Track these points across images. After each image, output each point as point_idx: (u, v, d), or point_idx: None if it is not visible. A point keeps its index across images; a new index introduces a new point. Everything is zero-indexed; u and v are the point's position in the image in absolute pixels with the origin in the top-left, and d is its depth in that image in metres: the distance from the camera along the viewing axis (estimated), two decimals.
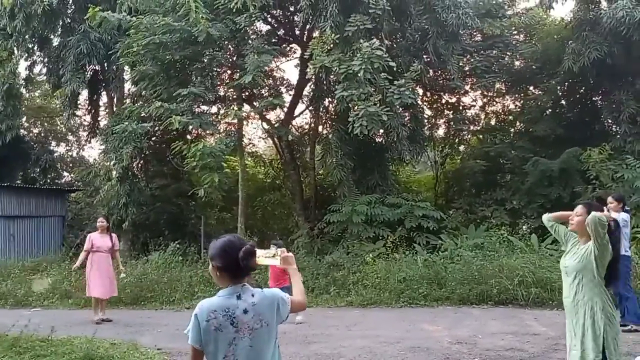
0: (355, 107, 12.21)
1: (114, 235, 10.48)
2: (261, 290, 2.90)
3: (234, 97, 16.06)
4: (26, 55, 19.45)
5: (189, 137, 16.59)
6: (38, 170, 23.27)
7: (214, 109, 17.52)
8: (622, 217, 7.85)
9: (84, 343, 7.63)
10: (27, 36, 18.14)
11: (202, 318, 2.74)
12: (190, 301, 11.92)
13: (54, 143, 27.88)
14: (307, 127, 20.54)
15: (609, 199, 8.42)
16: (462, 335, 8.16)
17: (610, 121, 15.98)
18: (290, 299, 3.01)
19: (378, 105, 12.19)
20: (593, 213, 4.14)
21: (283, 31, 18.27)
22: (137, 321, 10.03)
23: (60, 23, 17.99)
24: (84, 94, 19.31)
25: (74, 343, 7.70)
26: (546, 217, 4.82)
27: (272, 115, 16.94)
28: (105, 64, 17.55)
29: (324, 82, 13.57)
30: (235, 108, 14.19)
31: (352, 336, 8.33)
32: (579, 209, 4.36)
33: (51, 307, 11.93)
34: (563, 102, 18.03)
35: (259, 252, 3.00)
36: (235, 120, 15.09)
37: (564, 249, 4.67)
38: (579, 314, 4.31)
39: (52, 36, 18.74)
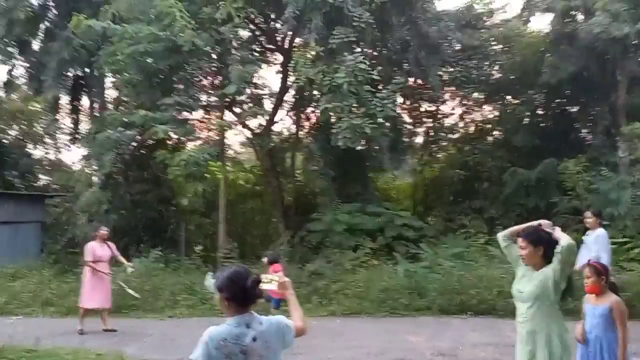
0: (339, 119, 12.36)
1: (111, 243, 10.48)
2: (267, 318, 3.03)
3: (217, 104, 16.11)
4: (6, 59, 19.21)
5: (169, 142, 16.58)
6: (16, 174, 22.94)
7: (196, 115, 17.55)
8: (602, 232, 8.11)
9: (70, 354, 7.67)
10: (6, 40, 18.02)
11: (212, 346, 2.82)
12: (173, 309, 11.96)
13: (30, 146, 27.53)
14: (288, 133, 20.69)
15: (587, 213, 8.61)
16: (443, 347, 8.36)
17: (585, 132, 16.38)
18: (295, 326, 3.14)
19: (361, 118, 12.39)
20: (569, 242, 3.96)
21: (265, 38, 18.38)
22: (121, 330, 10.01)
23: (42, 28, 17.87)
24: (64, 99, 19.17)
25: (60, 354, 7.70)
26: (501, 236, 4.47)
27: (253, 122, 17.02)
28: (88, 70, 17.46)
29: (307, 92, 13.69)
30: (218, 120, 14.24)
31: (336, 347, 8.47)
32: (521, 242, 4.15)
33: (33, 315, 11.81)
34: (540, 112, 18.43)
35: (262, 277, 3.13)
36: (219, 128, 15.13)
37: (516, 271, 4.37)
38: (535, 342, 4.13)
39: (32, 40, 18.60)
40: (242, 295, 2.92)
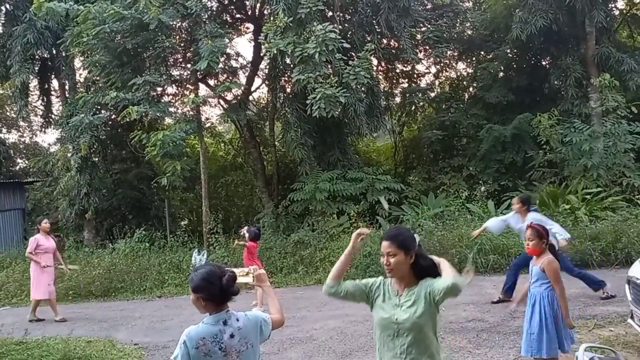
0: (313, 90, 12.33)
1: (53, 237, 10.67)
2: (244, 315, 3.10)
3: (190, 79, 15.95)
4: None
5: (145, 120, 16.44)
6: None
7: (170, 90, 17.40)
8: (533, 216, 7.85)
9: (59, 343, 7.74)
10: None
11: (191, 345, 2.88)
12: (162, 289, 12.11)
13: (4, 130, 27.14)
14: (265, 102, 20.60)
15: (514, 199, 8.64)
16: None
17: (558, 84, 16.50)
18: (271, 319, 3.22)
19: (335, 87, 12.36)
20: (456, 281, 3.03)
21: (234, 9, 18.12)
22: (110, 315, 10.14)
23: (3, 11, 17.41)
24: (34, 82, 18.82)
25: (50, 344, 7.75)
26: (327, 287, 3.38)
27: (230, 95, 16.89)
28: (55, 52, 17.12)
29: (280, 63, 13.58)
30: (192, 95, 14.12)
31: (323, 317, 8.68)
32: (387, 246, 3.14)
33: (20, 304, 11.86)
34: (514, 66, 18.50)
35: (236, 271, 3.19)
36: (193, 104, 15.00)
37: (371, 305, 3.33)
38: None
39: None
40: (218, 294, 2.95)
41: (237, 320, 3.02)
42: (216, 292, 2.95)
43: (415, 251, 3.13)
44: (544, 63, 18.01)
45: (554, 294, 4.87)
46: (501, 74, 18.11)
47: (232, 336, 2.96)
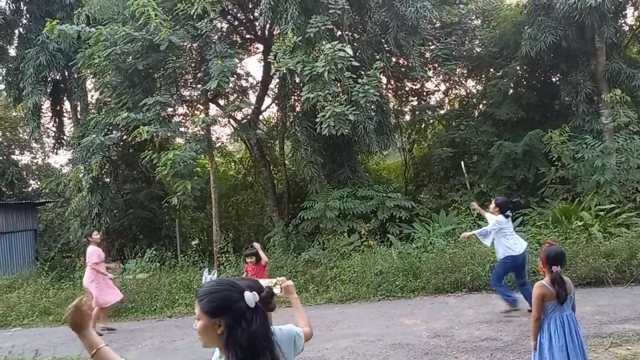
0: (322, 108, 12.35)
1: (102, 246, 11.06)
2: (279, 328, 3.05)
3: (200, 99, 16.06)
4: None
5: (156, 139, 16.54)
6: (4, 183, 22.85)
7: (180, 110, 17.52)
8: (497, 219, 8.86)
9: None
10: None
11: None
12: (172, 309, 12.05)
13: (17, 152, 27.40)
14: (275, 120, 20.67)
15: (493, 200, 9.42)
16: (439, 328, 8.49)
17: (568, 100, 16.42)
18: (302, 331, 3.13)
19: (344, 105, 12.39)
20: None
21: (244, 29, 18.29)
22: (120, 335, 10.11)
23: (17, 34, 17.70)
24: (46, 104, 19.06)
25: None
26: None
27: (240, 114, 16.96)
28: (67, 73, 17.34)
29: (289, 82, 13.65)
30: (202, 114, 14.20)
31: (334, 336, 8.58)
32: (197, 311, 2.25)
33: (32, 325, 11.87)
34: (523, 83, 18.45)
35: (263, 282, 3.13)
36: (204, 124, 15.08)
37: None
38: None
39: (8, 47, 18.45)
40: None
41: (273, 334, 2.99)
42: None
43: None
44: (554, 79, 17.94)
45: (563, 318, 4.78)
46: (511, 90, 18.05)
47: None
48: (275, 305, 2.72)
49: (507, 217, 9.00)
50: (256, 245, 9.21)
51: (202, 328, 2.23)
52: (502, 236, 8.90)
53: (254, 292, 2.30)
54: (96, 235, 10.60)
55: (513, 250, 8.80)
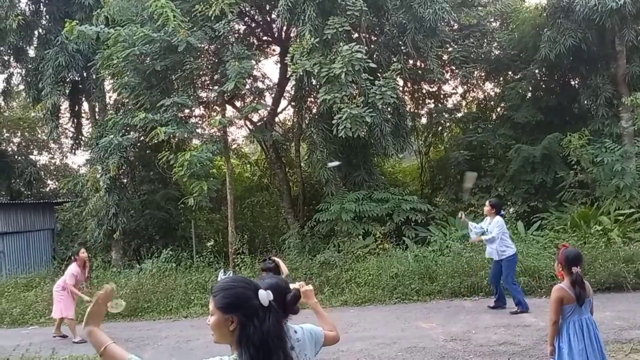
0: (339, 110, 12.33)
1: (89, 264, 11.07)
2: (301, 328, 3.03)
3: (217, 100, 16.10)
4: (2, 68, 19.32)
5: (173, 141, 16.63)
6: (22, 183, 23.09)
7: (197, 111, 17.59)
8: (498, 221, 9.28)
9: None
10: (1, 48, 18.13)
11: None
12: (188, 309, 12.06)
13: (35, 152, 27.70)
14: (291, 122, 20.67)
15: (487, 202, 9.79)
16: (456, 332, 8.40)
17: (588, 104, 16.24)
18: (324, 334, 3.12)
19: (361, 106, 12.35)
20: None
21: (261, 31, 18.33)
22: (136, 335, 10.14)
23: (36, 34, 17.88)
24: (64, 104, 19.21)
25: None
26: None
27: (256, 116, 16.99)
28: (85, 74, 17.47)
29: (306, 84, 13.64)
30: (219, 116, 14.23)
31: (349, 339, 8.51)
32: (210, 304, 2.26)
33: (48, 324, 11.92)
34: (542, 86, 18.29)
35: None
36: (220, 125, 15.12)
37: None
38: None
39: (27, 48, 18.65)
40: (281, 308, 2.75)
41: (296, 332, 2.98)
42: (280, 305, 2.85)
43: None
44: (573, 83, 17.76)
45: (582, 321, 4.70)
46: (529, 93, 17.88)
47: (292, 348, 2.89)
48: (299, 308, 2.75)
49: (502, 217, 9.53)
50: (276, 259, 9.20)
51: (215, 323, 2.22)
52: (502, 236, 9.35)
53: (269, 291, 2.26)
54: (83, 254, 10.52)
55: (513, 248, 9.39)
